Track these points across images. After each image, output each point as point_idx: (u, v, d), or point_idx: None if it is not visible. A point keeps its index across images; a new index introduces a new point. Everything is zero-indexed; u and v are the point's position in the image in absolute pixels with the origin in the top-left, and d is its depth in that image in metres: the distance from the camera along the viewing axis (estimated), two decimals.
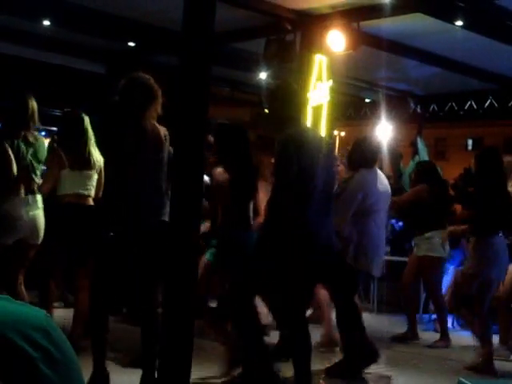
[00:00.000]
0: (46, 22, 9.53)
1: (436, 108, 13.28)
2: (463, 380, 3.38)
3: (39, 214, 5.39)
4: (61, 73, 12.01)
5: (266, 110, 4.66)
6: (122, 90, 4.44)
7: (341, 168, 6.37)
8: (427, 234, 7.37)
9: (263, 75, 11.32)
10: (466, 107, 12.69)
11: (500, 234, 6.10)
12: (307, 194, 4.32)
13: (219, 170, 5.20)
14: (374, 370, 6.11)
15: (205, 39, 4.32)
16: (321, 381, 5.61)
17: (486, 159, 6.20)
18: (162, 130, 4.47)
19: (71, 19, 9.45)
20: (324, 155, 4.47)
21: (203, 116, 4.43)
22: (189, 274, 4.29)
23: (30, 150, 5.38)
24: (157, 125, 4.47)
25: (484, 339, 6.10)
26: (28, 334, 0.77)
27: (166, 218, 4.43)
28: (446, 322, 7.45)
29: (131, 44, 10.65)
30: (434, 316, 8.15)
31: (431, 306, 8.34)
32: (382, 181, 5.76)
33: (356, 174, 5.69)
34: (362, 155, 5.69)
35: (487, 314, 6.24)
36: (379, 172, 5.84)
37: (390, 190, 5.83)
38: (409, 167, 10.46)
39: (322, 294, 6.48)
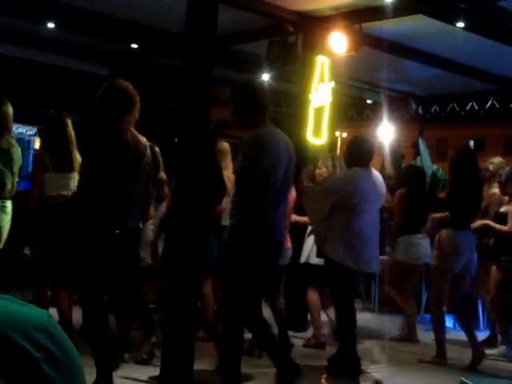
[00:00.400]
0: (50, 25, 9.58)
1: (437, 109, 13.30)
2: (465, 380, 3.40)
3: (6, 219, 5.53)
4: (64, 74, 12.06)
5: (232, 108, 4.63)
6: (101, 96, 4.49)
7: (322, 170, 6.45)
8: (399, 239, 7.43)
9: (266, 77, 11.35)
10: (467, 108, 12.70)
11: (467, 231, 6.16)
12: (269, 196, 4.34)
13: None
14: (374, 369, 6.14)
15: (207, 41, 4.37)
16: (322, 380, 5.65)
17: (463, 157, 6.33)
18: (143, 140, 4.54)
19: (75, 22, 9.50)
20: (288, 157, 4.50)
21: (206, 117, 4.47)
22: (190, 276, 4.33)
23: (2, 156, 5.47)
24: (136, 133, 4.53)
25: (437, 333, 6.25)
26: (30, 335, 0.77)
27: (140, 225, 4.56)
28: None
29: (134, 46, 10.69)
30: None
31: None
32: (377, 181, 5.79)
33: (345, 171, 5.73)
34: (355, 154, 5.75)
35: (458, 309, 6.36)
36: (375, 172, 5.86)
37: (383, 192, 5.86)
38: None
39: (312, 296, 6.56)
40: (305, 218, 6.47)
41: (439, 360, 6.21)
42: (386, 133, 12.89)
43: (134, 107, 4.48)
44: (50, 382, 0.76)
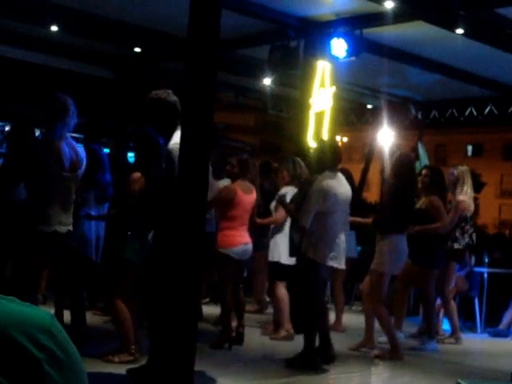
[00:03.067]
0: (55, 28, 9.69)
1: (437, 114, 13.43)
2: (461, 382, 3.48)
3: None
4: (68, 77, 12.18)
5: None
6: (38, 107, 5.04)
7: (284, 174, 6.67)
8: None
9: (267, 81, 11.47)
10: (466, 114, 12.83)
11: (404, 235, 6.41)
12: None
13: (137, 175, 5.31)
14: (374, 370, 6.23)
15: (210, 45, 4.47)
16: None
17: (400, 165, 6.48)
18: (80, 149, 5.11)
19: (79, 25, 9.62)
20: None
21: (209, 121, 4.58)
22: (194, 275, 4.42)
23: None
24: (73, 144, 5.06)
25: (388, 330, 6.38)
26: (33, 335, 0.77)
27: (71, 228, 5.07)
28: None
29: (137, 50, 10.80)
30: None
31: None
32: (343, 184, 5.94)
33: (318, 178, 5.85)
34: (324, 159, 5.90)
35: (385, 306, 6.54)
36: (340, 176, 5.99)
37: (350, 193, 6.02)
38: None
39: (282, 292, 6.73)
40: (268, 220, 6.86)
41: (395, 355, 6.27)
42: (385, 137, 13.00)
43: (66, 115, 4.97)
44: (51, 382, 0.76)
